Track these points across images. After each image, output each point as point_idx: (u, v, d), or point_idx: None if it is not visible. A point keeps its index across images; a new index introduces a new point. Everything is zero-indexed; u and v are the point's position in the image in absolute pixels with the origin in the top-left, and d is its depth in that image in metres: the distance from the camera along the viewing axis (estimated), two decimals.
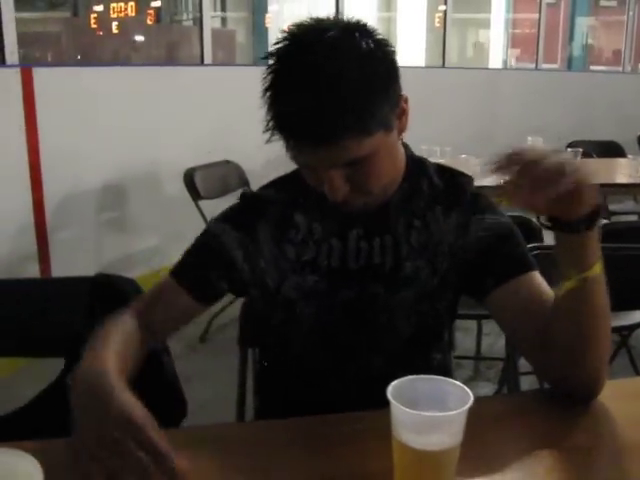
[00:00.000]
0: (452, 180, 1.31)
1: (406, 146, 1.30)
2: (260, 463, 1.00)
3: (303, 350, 1.33)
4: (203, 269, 1.30)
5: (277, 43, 1.10)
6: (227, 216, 1.34)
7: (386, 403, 0.87)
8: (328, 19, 1.13)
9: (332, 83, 1.04)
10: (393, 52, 1.14)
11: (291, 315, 1.29)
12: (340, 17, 1.14)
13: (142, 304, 1.31)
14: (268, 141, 1.13)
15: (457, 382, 0.92)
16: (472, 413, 0.86)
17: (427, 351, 1.34)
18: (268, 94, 1.10)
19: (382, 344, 1.29)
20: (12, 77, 3.23)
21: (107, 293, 1.64)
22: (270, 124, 1.11)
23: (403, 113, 1.18)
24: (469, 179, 1.32)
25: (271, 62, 1.10)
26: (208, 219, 3.57)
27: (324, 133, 1.06)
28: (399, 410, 0.86)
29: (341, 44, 1.07)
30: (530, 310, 1.18)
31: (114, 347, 1.12)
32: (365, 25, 1.13)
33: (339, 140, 1.06)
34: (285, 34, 1.10)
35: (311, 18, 1.13)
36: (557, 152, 0.97)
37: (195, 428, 1.20)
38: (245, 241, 1.28)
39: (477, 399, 0.86)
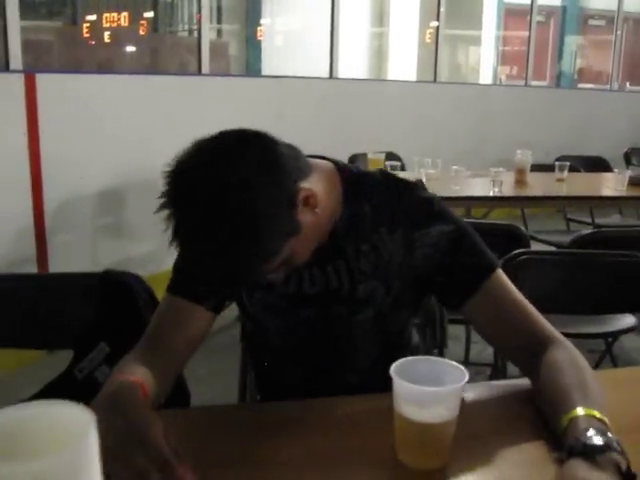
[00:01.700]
0: (394, 196, 1.27)
1: (342, 169, 1.28)
2: (269, 441, 1.07)
3: (274, 363, 1.39)
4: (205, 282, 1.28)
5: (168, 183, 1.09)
6: None
7: None
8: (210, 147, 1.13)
9: (209, 252, 1.04)
10: (271, 175, 1.06)
11: (259, 327, 1.35)
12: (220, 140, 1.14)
13: (147, 342, 1.25)
14: None
15: (454, 362, 1.00)
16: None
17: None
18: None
19: (352, 361, 1.32)
20: (15, 82, 3.30)
21: (114, 288, 1.70)
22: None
23: (307, 200, 1.11)
24: (415, 188, 1.29)
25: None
26: None
27: (228, 287, 1.20)
28: (402, 385, 0.94)
29: (214, 196, 1.03)
30: (501, 313, 1.22)
31: (130, 371, 1.11)
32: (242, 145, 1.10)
33: (243, 284, 1.18)
34: (169, 177, 1.09)
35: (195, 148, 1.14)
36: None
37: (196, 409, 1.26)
38: None
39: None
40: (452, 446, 0.98)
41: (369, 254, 1.26)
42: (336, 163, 1.29)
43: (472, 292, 1.22)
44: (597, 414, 0.97)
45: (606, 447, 0.90)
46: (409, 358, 1.00)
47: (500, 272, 1.25)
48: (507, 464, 1.00)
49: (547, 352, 1.17)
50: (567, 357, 1.14)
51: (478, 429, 1.09)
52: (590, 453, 0.89)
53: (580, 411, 0.97)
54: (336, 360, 1.32)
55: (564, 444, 0.94)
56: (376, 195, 1.27)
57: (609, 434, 0.92)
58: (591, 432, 0.92)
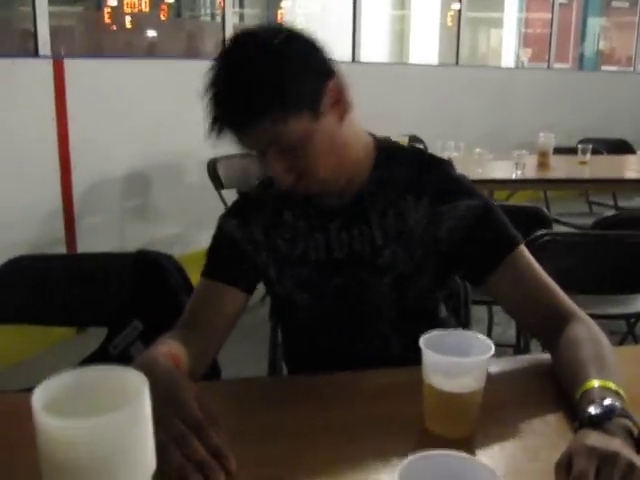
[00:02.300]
0: (425, 167, 1.33)
1: (374, 136, 1.37)
2: (295, 413, 1.12)
3: (302, 335, 1.44)
4: (234, 261, 1.37)
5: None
6: (233, 213, 1.42)
7: None
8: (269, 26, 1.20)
9: (239, 73, 1.14)
10: (313, 47, 1.19)
11: (287, 304, 1.39)
12: (279, 24, 1.21)
13: (183, 324, 1.32)
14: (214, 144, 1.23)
15: (480, 335, 1.04)
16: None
17: (419, 330, 1.25)
18: (207, 91, 1.18)
19: (374, 327, 1.37)
20: (44, 68, 3.36)
21: (148, 268, 1.76)
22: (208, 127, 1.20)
23: (337, 102, 1.21)
24: (446, 165, 1.35)
25: (211, 66, 1.19)
26: None
27: (241, 119, 1.15)
28: (430, 356, 0.98)
29: (255, 43, 1.15)
30: (524, 287, 1.27)
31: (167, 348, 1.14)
32: (295, 29, 1.19)
33: (259, 122, 1.13)
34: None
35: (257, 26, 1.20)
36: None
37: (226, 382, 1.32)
38: (249, 237, 1.38)
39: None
40: (478, 416, 1.02)
41: (395, 219, 1.30)
42: (371, 134, 1.37)
43: (495, 266, 1.26)
44: (613, 386, 0.99)
45: (612, 413, 0.92)
46: (437, 331, 1.04)
47: (523, 248, 1.29)
48: (532, 434, 1.04)
49: (568, 327, 1.20)
50: (587, 332, 1.18)
51: (503, 400, 1.13)
52: (598, 422, 0.92)
53: (595, 383, 1.00)
54: (360, 326, 1.37)
55: (577, 415, 0.97)
56: (407, 164, 1.33)
57: (617, 402, 0.94)
58: (598, 402, 0.94)
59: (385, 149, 1.34)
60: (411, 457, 0.70)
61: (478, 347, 1.02)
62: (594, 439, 0.88)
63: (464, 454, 0.73)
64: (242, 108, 1.14)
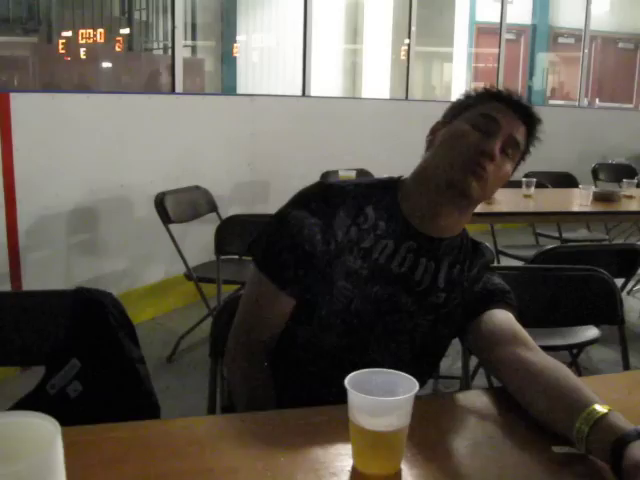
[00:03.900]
0: (479, 247, 1.55)
1: None
2: (224, 453, 1.12)
3: (324, 327, 1.43)
4: (296, 263, 1.41)
5: None
6: (303, 203, 1.44)
7: None
8: None
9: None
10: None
11: (329, 291, 1.41)
12: None
13: (253, 327, 1.46)
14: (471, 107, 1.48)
15: (406, 374, 1.06)
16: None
17: (420, 372, 1.39)
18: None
19: (393, 350, 1.45)
20: None
21: (87, 305, 1.74)
22: (481, 95, 1.50)
23: (516, 166, 1.51)
24: (490, 252, 1.58)
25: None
26: (178, 242, 3.65)
27: (527, 112, 1.46)
28: (355, 396, 1.00)
29: None
30: (502, 324, 1.38)
31: None
32: None
33: (528, 122, 1.46)
34: None
35: None
36: None
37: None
38: (323, 226, 1.40)
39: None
40: (403, 453, 1.04)
41: (456, 272, 1.47)
42: None
43: (489, 307, 1.43)
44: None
45: None
46: (364, 370, 1.06)
47: (513, 314, 1.45)
48: (462, 467, 1.06)
49: (533, 352, 1.30)
50: (555, 362, 1.27)
51: (431, 437, 1.15)
52: None
53: (600, 407, 1.08)
54: (377, 340, 1.44)
55: (612, 431, 1.03)
56: (469, 241, 1.54)
57: None
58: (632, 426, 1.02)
59: (464, 227, 1.54)
60: None
61: (403, 385, 1.04)
62: None
63: None
64: (529, 108, 1.48)
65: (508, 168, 1.44)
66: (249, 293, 1.48)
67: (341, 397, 1.06)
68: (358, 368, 1.06)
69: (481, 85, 1.50)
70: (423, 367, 1.51)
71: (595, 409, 1.07)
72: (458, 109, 1.49)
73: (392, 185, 1.49)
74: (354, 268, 1.41)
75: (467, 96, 1.51)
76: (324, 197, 1.43)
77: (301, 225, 1.39)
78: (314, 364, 1.45)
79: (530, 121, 1.46)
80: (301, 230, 1.39)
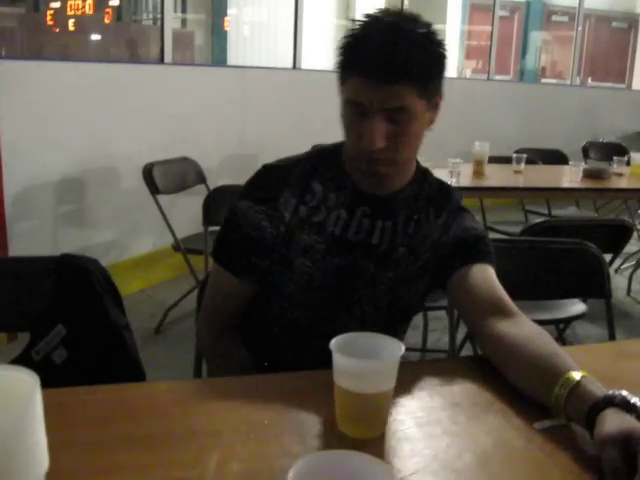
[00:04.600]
0: (447, 191, 1.52)
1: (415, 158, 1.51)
2: (206, 415, 1.11)
3: (291, 304, 1.46)
4: (246, 251, 1.44)
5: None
6: (247, 193, 1.47)
7: None
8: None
9: (407, 38, 1.27)
10: (445, 50, 1.35)
11: (289, 269, 1.43)
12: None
13: (212, 312, 1.53)
14: (342, 84, 1.35)
15: (391, 337, 1.05)
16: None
17: (394, 331, 1.46)
18: (350, 41, 1.31)
19: (361, 315, 1.45)
20: None
21: (72, 271, 1.73)
22: (346, 65, 1.32)
23: (436, 107, 1.38)
24: (459, 194, 1.55)
25: (358, 21, 1.32)
26: (166, 214, 3.63)
27: (391, 72, 1.25)
28: (341, 359, 0.99)
29: (415, 19, 1.32)
30: (482, 288, 1.37)
31: None
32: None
33: (399, 81, 1.26)
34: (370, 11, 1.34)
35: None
36: None
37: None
38: (268, 211, 1.42)
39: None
40: (388, 416, 1.04)
41: (416, 224, 1.46)
42: None
43: (471, 262, 1.41)
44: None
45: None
46: (349, 333, 1.05)
47: (491, 268, 1.42)
48: (442, 434, 1.06)
49: (514, 320, 1.29)
50: (536, 329, 1.26)
51: (416, 401, 1.15)
52: (633, 407, 0.98)
53: (577, 374, 1.07)
54: (349, 310, 1.45)
55: (585, 398, 1.02)
56: (434, 187, 1.51)
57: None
58: (621, 391, 1.01)
59: (422, 169, 1.51)
60: (304, 457, 0.70)
61: (388, 348, 1.03)
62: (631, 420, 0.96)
63: (360, 453, 0.74)
64: (396, 62, 1.25)
65: (412, 126, 1.32)
66: (211, 282, 1.53)
67: (316, 367, 1.10)
68: (330, 338, 1.05)
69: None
70: (396, 327, 1.52)
71: (570, 376, 1.07)
72: (340, 74, 1.36)
73: (336, 151, 1.48)
74: (310, 243, 1.42)
75: (337, 64, 1.35)
76: (266, 182, 1.47)
77: (246, 215, 1.44)
78: (286, 337, 1.48)
79: (408, 74, 1.27)
80: (247, 220, 1.43)
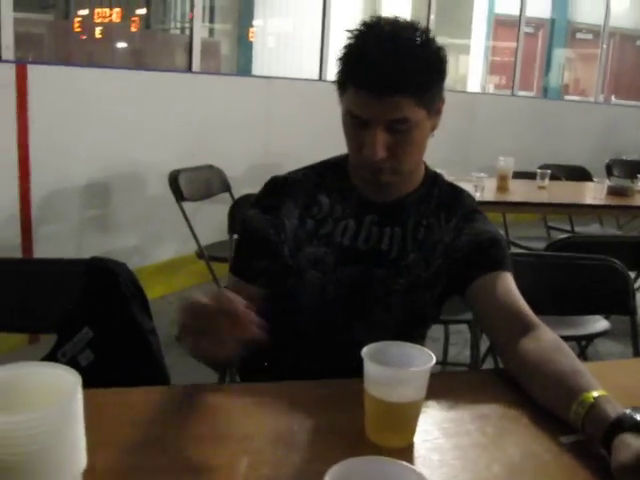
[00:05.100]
0: (458, 195, 1.51)
1: (424, 162, 1.50)
2: (235, 420, 1.12)
3: (305, 316, 1.46)
4: (256, 256, 1.46)
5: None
6: (256, 202, 1.51)
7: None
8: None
9: (405, 48, 1.26)
10: (445, 55, 1.34)
11: (300, 282, 1.44)
12: None
13: None
14: (341, 95, 1.34)
15: (422, 347, 1.06)
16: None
17: (411, 338, 1.44)
18: (348, 52, 1.31)
19: (376, 322, 1.44)
20: (6, 72, 3.32)
21: (100, 275, 1.75)
22: (344, 77, 1.31)
23: (438, 113, 1.38)
24: (472, 198, 1.54)
25: (355, 30, 1.30)
26: (190, 221, 3.64)
27: (388, 85, 1.25)
28: (372, 367, 1.00)
29: (413, 27, 1.30)
30: (502, 301, 1.34)
31: None
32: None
33: (397, 93, 1.25)
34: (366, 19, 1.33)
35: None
36: None
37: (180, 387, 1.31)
38: (273, 220, 1.44)
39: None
40: (417, 426, 1.04)
41: (426, 230, 1.45)
42: None
43: (488, 272, 1.38)
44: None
45: None
46: (381, 342, 1.06)
47: (509, 275, 1.39)
48: (471, 445, 1.06)
49: (535, 335, 1.26)
50: (557, 343, 1.24)
51: (446, 412, 1.15)
52: None
53: (596, 393, 1.05)
54: (359, 319, 1.44)
55: (601, 418, 1.01)
56: (444, 190, 1.50)
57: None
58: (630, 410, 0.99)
59: (431, 173, 1.51)
60: (341, 462, 0.71)
61: (420, 358, 1.04)
62: None
63: (394, 459, 0.74)
64: (393, 75, 1.25)
65: (414, 135, 1.32)
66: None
67: (333, 376, 1.14)
68: (344, 347, 1.05)
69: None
70: (412, 334, 1.47)
71: (587, 396, 1.05)
72: (339, 86, 1.36)
73: (342, 163, 1.50)
74: (319, 256, 1.43)
75: (336, 76, 1.35)
76: (271, 192, 1.50)
77: (254, 222, 1.47)
78: (301, 348, 1.47)
79: (406, 86, 1.26)
80: (256, 226, 1.46)
